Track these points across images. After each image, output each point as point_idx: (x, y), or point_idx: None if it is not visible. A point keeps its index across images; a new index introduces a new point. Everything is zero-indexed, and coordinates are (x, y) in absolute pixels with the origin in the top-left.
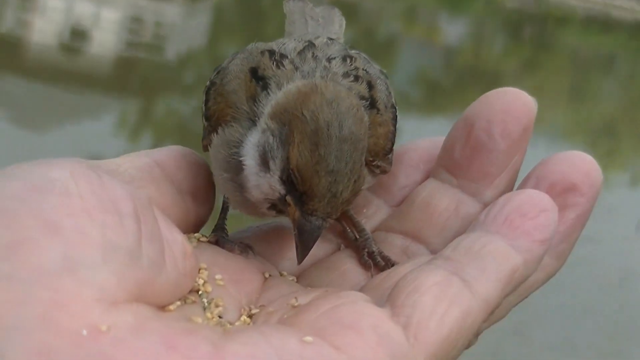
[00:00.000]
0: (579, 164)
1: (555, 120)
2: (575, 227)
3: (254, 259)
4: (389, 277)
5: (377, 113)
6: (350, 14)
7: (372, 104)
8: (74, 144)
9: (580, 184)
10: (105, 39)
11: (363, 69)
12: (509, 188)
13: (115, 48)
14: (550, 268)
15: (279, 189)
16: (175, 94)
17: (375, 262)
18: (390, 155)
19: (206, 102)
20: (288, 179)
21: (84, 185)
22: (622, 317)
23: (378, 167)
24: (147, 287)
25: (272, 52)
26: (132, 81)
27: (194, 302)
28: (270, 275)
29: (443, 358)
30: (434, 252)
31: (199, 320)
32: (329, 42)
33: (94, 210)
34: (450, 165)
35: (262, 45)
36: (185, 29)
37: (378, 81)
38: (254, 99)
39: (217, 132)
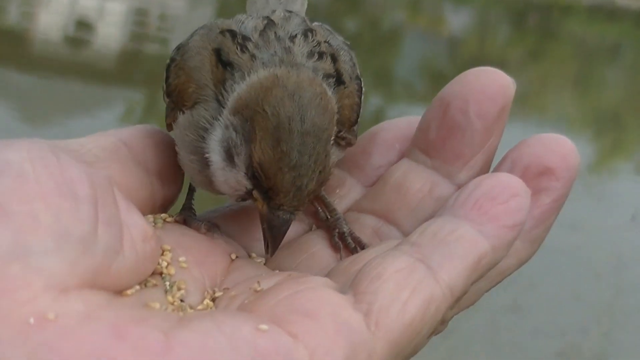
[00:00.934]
0: (556, 147)
1: (561, 109)
2: (550, 211)
3: (221, 239)
4: (356, 261)
5: (344, 88)
6: (355, 4)
7: (339, 80)
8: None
9: (556, 167)
10: (110, 31)
11: (325, 42)
12: (485, 170)
13: (120, 40)
14: (523, 253)
15: (246, 184)
16: None
17: (346, 244)
18: (355, 127)
19: (167, 78)
20: (253, 175)
21: (41, 168)
22: (617, 303)
23: (343, 139)
24: (102, 273)
25: (233, 33)
26: (138, 73)
27: (155, 285)
28: (237, 257)
29: (405, 346)
30: (405, 234)
31: (157, 305)
32: (287, 15)
33: (49, 195)
34: (425, 145)
35: (221, 23)
36: (189, 20)
37: (342, 52)
38: (223, 84)
39: (182, 112)
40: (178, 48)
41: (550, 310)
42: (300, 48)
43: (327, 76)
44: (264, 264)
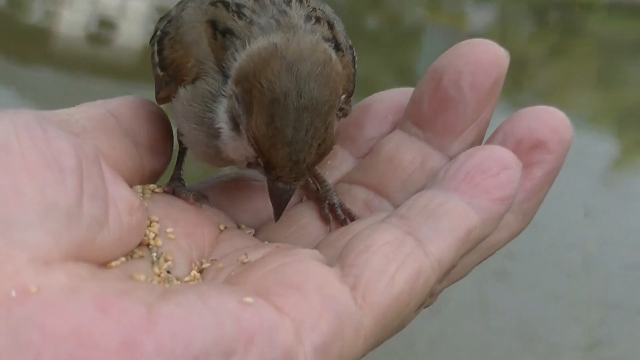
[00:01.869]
0: (548, 119)
1: (583, 106)
2: (542, 185)
3: (210, 210)
4: (345, 233)
5: (342, 55)
6: (375, 1)
7: (337, 46)
8: None
9: (548, 140)
10: (132, 29)
11: (320, 9)
12: (477, 143)
13: (142, 38)
14: (515, 227)
15: (252, 151)
16: None
17: (336, 215)
18: (351, 98)
19: (160, 51)
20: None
21: (26, 140)
22: None
23: (341, 109)
24: (87, 245)
25: (225, 3)
26: None
27: (141, 257)
28: (226, 228)
29: (393, 319)
30: (396, 206)
31: (142, 277)
32: None
33: (33, 167)
34: (418, 117)
35: None
36: None
37: (335, 22)
38: (225, 53)
39: (183, 86)
40: (168, 20)
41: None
42: (297, 11)
43: (325, 40)
44: (253, 235)
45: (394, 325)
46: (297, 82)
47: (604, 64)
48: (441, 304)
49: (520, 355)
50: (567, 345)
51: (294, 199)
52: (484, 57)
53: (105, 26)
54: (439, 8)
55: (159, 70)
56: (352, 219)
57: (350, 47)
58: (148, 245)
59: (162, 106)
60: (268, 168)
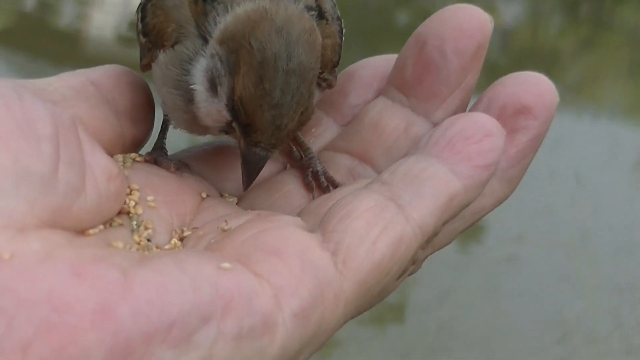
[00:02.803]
0: (533, 85)
1: (616, 98)
2: (527, 150)
3: (192, 178)
4: (327, 200)
5: (326, 24)
6: None
7: (321, 15)
8: None
9: (533, 106)
10: None
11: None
12: (462, 109)
13: None
14: (500, 193)
15: (226, 115)
16: None
17: (319, 183)
18: (336, 69)
19: (142, 18)
20: (233, 108)
21: (1, 107)
22: None
23: (325, 80)
24: (63, 213)
25: None
26: None
27: (121, 224)
28: (207, 196)
29: (374, 285)
30: (380, 173)
31: (120, 244)
32: None
33: (8, 135)
34: (401, 83)
35: None
36: None
37: None
38: (205, 18)
39: (163, 51)
40: None
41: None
42: None
43: (308, 8)
44: (236, 204)
45: (375, 292)
46: (286, 45)
47: (635, 56)
48: (451, 291)
49: (534, 339)
50: (582, 327)
51: (277, 166)
52: (468, 22)
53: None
54: (470, 2)
55: (141, 37)
56: (335, 186)
57: (339, 18)
58: (128, 213)
59: (146, 76)
60: (247, 132)
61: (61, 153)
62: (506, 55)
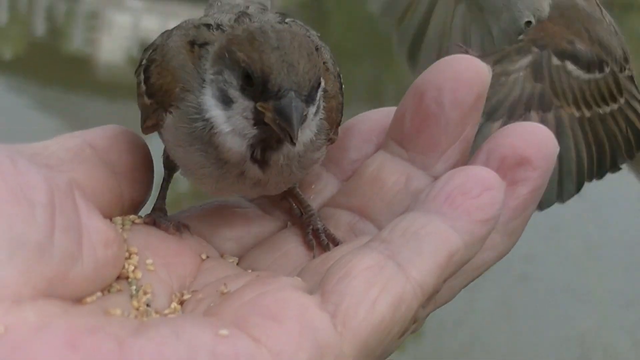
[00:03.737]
0: (531, 136)
1: None
2: (528, 202)
3: (191, 239)
4: (327, 259)
5: (332, 80)
6: None
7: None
8: None
9: (532, 157)
10: None
11: (305, 33)
12: (462, 161)
13: None
14: (501, 247)
15: (247, 104)
16: None
17: (319, 241)
18: (339, 128)
19: (147, 79)
20: (246, 87)
21: None
22: None
23: (330, 139)
24: (59, 281)
25: (208, 25)
26: None
27: (119, 290)
28: (208, 257)
29: (375, 346)
30: (381, 229)
31: (118, 311)
32: (261, 9)
33: (2, 203)
34: (401, 136)
35: (196, 21)
36: None
37: (322, 48)
38: (200, 63)
39: (169, 112)
40: (154, 49)
41: None
42: None
43: None
44: (237, 264)
45: (377, 354)
46: (279, 40)
47: None
48: (468, 314)
49: (554, 359)
50: (600, 344)
51: (278, 224)
52: (465, 72)
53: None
54: None
55: (146, 98)
56: (336, 244)
57: (339, 75)
58: (127, 278)
59: (144, 136)
60: (266, 87)
61: (57, 219)
62: None
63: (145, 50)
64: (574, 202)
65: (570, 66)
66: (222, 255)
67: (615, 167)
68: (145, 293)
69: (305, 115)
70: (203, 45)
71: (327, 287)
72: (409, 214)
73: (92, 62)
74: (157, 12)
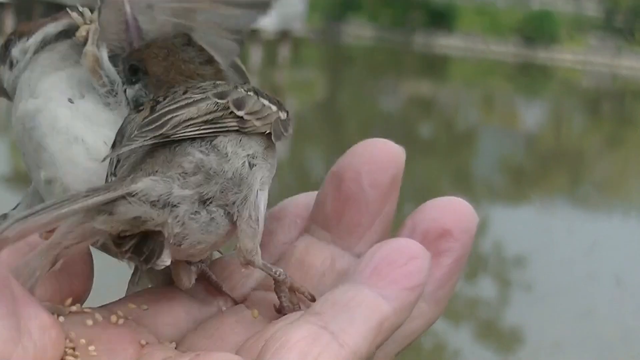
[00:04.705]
0: (451, 209)
1: None
2: (452, 272)
3: (130, 326)
4: (263, 334)
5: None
6: (428, 108)
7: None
8: None
9: (453, 228)
10: None
11: None
12: (383, 239)
13: None
14: (430, 315)
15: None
16: None
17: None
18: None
19: None
20: (132, 70)
21: None
22: None
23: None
24: None
25: None
26: None
27: None
28: (147, 343)
29: None
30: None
31: None
32: None
33: None
34: (323, 220)
35: None
36: None
37: None
38: None
39: None
40: None
41: None
42: None
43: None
44: (175, 348)
45: None
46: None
47: None
48: None
49: None
50: None
51: (212, 310)
52: (381, 155)
53: None
54: (491, 109)
55: None
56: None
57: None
58: None
59: None
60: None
61: None
62: (531, 159)
63: None
64: (606, 286)
65: None
66: (159, 341)
67: None
68: None
69: None
70: None
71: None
72: (339, 287)
73: None
74: None
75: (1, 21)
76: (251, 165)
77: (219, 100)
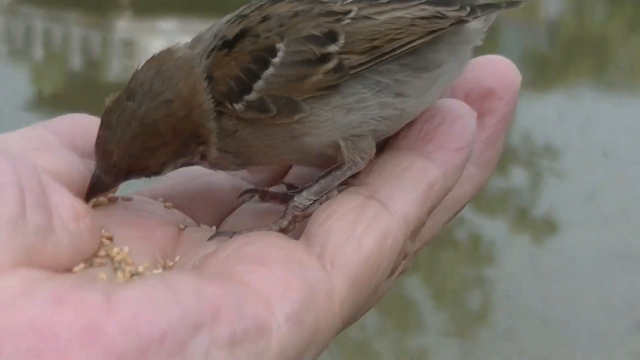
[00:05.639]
0: (493, 67)
1: None
2: (498, 132)
3: (168, 211)
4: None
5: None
6: None
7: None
8: None
9: (496, 87)
10: None
11: None
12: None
13: None
14: (478, 178)
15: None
16: None
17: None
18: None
19: None
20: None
21: None
22: None
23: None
24: (37, 252)
25: None
26: None
27: (102, 264)
28: (186, 227)
29: (367, 283)
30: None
31: (104, 277)
32: None
33: None
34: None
35: None
36: None
37: None
38: None
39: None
40: None
41: None
42: None
43: None
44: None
45: (369, 290)
46: None
47: None
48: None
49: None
50: None
51: (248, 195)
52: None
53: None
54: None
55: None
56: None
57: None
58: (107, 252)
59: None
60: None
61: (26, 197)
62: (554, 47)
63: None
64: None
65: None
66: (199, 225)
67: None
68: (127, 264)
69: None
70: None
71: (311, 232)
72: (383, 155)
73: None
74: (191, 31)
75: None
76: None
77: None
